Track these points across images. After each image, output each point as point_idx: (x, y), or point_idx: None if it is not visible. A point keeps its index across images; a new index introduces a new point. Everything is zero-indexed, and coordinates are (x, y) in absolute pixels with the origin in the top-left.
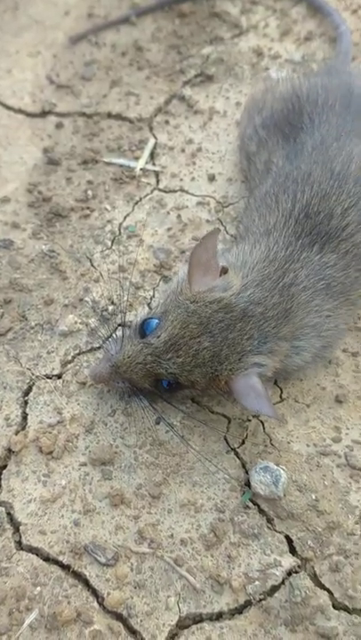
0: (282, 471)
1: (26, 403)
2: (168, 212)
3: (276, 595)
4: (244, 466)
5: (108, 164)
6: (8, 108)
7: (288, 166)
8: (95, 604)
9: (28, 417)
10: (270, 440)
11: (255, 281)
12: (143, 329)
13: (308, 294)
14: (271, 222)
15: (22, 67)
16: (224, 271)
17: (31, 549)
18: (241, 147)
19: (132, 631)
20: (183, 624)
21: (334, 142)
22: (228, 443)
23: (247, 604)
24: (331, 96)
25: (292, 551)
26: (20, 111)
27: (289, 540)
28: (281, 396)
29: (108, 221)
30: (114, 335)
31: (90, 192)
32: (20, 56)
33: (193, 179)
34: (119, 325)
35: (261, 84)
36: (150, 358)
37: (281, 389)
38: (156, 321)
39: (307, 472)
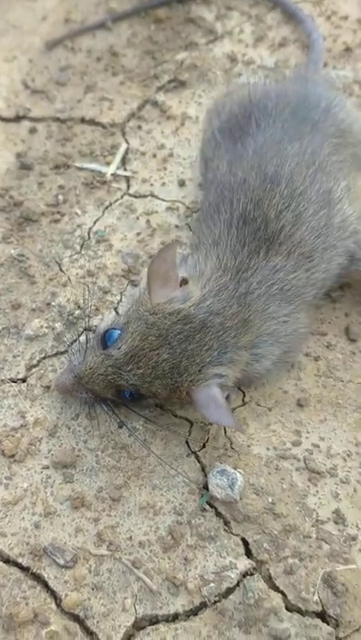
0: (238, 474)
1: None
2: (138, 217)
3: (230, 597)
4: (203, 469)
5: (80, 168)
6: None
7: (227, 174)
8: (53, 606)
9: None
10: (231, 443)
11: (213, 291)
12: (105, 339)
13: (263, 301)
14: (216, 233)
15: None
16: (184, 282)
17: None
18: (201, 150)
19: (89, 632)
20: (139, 625)
21: (274, 146)
22: (189, 446)
23: (202, 605)
24: (282, 102)
25: (248, 554)
26: None
27: (245, 543)
28: (243, 400)
29: (78, 226)
30: (78, 342)
31: (61, 197)
32: None
33: (163, 184)
34: (85, 330)
35: (226, 87)
36: (111, 370)
37: (244, 393)
38: (118, 332)
39: (265, 475)
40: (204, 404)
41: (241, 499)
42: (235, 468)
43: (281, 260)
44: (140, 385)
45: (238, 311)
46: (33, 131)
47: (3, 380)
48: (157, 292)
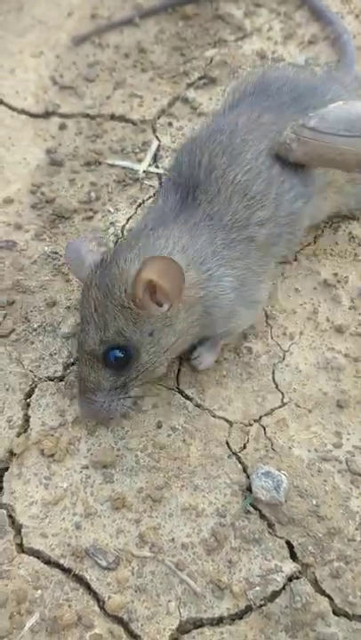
0: (283, 476)
1: (28, 405)
2: None
3: (276, 600)
4: (245, 470)
5: (112, 165)
6: (11, 108)
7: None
8: (96, 608)
9: (31, 419)
10: (272, 445)
11: (132, 233)
12: None
13: (187, 227)
14: (161, 189)
15: (25, 67)
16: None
17: (32, 552)
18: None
19: (133, 635)
20: (184, 629)
21: (235, 112)
22: (229, 447)
23: (248, 609)
24: (286, 88)
25: (293, 557)
26: (23, 112)
27: (290, 546)
28: (283, 401)
29: (112, 223)
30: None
31: (93, 194)
32: (24, 56)
33: None
34: None
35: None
36: (81, 350)
37: (283, 394)
38: None
39: (308, 477)
40: (137, 280)
41: (286, 501)
42: (278, 470)
43: (207, 196)
44: (102, 335)
45: (151, 236)
46: (63, 127)
47: (40, 379)
48: (81, 275)
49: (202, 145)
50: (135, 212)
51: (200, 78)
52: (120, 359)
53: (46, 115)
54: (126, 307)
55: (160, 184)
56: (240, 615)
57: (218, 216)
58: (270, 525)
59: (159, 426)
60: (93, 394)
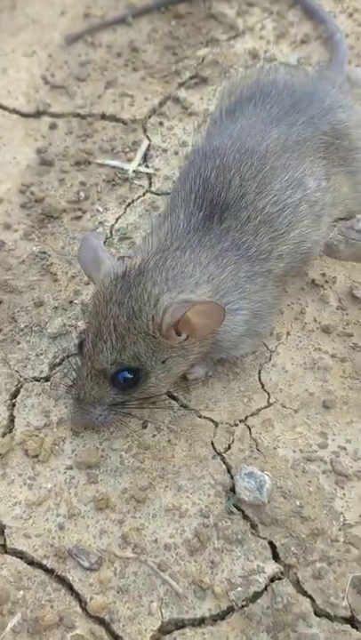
0: (266, 477)
1: (13, 405)
2: (159, 215)
3: (258, 601)
4: (229, 471)
5: (102, 165)
6: (3, 107)
7: (206, 146)
8: (78, 609)
9: (16, 419)
10: (257, 445)
11: (157, 250)
12: (81, 350)
13: (213, 254)
14: (177, 199)
15: (18, 66)
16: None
17: (15, 553)
18: (207, 127)
19: (115, 636)
20: (165, 629)
21: (260, 125)
22: (214, 447)
23: (229, 609)
24: (287, 92)
25: (276, 557)
26: (14, 111)
27: (273, 547)
28: (268, 401)
29: (100, 223)
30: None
31: (82, 193)
32: (16, 55)
33: None
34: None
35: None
36: (90, 364)
37: (269, 394)
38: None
39: (292, 478)
40: (173, 315)
41: (269, 502)
42: (262, 471)
43: (236, 223)
44: (117, 356)
45: (179, 258)
46: (53, 126)
47: (26, 379)
48: (94, 275)
49: (231, 164)
50: (124, 212)
51: (191, 78)
52: (128, 380)
53: (37, 114)
54: (150, 334)
55: (174, 191)
56: (222, 616)
57: (245, 246)
58: (253, 526)
59: (144, 426)
60: (92, 406)
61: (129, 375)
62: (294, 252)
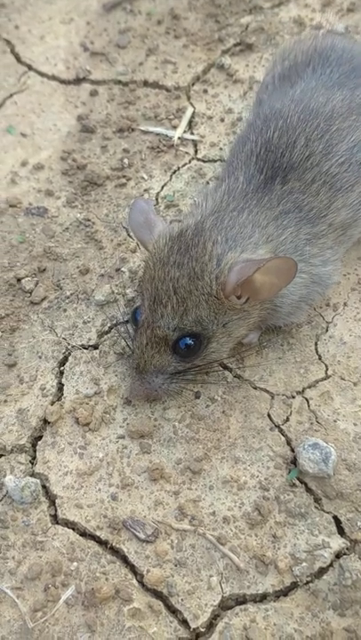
0: (332, 449)
1: (62, 373)
2: (208, 182)
3: (324, 577)
4: (289, 443)
5: (145, 132)
6: (41, 74)
7: (266, 109)
8: (134, 582)
9: (64, 387)
10: (316, 418)
11: (212, 211)
12: (135, 318)
13: (273, 214)
14: (236, 162)
15: (55, 34)
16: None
17: (67, 523)
18: (257, 93)
19: (173, 610)
20: (226, 605)
21: (322, 89)
22: (271, 419)
23: (293, 585)
24: (346, 56)
25: (341, 532)
26: (53, 78)
27: (337, 521)
28: (326, 373)
29: (145, 190)
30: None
31: (126, 160)
32: (54, 23)
33: None
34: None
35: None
36: (149, 332)
37: (326, 366)
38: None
39: (355, 451)
40: (241, 274)
41: (334, 474)
42: (326, 442)
43: (300, 184)
44: (179, 321)
45: (236, 218)
46: (94, 93)
47: (74, 347)
48: (146, 238)
49: (295, 125)
50: (170, 179)
51: (236, 45)
52: (190, 347)
53: (77, 81)
54: (213, 296)
55: (232, 156)
56: (285, 592)
57: (307, 208)
58: (317, 499)
59: (197, 396)
60: (154, 376)
61: (190, 341)
62: (356, 210)
